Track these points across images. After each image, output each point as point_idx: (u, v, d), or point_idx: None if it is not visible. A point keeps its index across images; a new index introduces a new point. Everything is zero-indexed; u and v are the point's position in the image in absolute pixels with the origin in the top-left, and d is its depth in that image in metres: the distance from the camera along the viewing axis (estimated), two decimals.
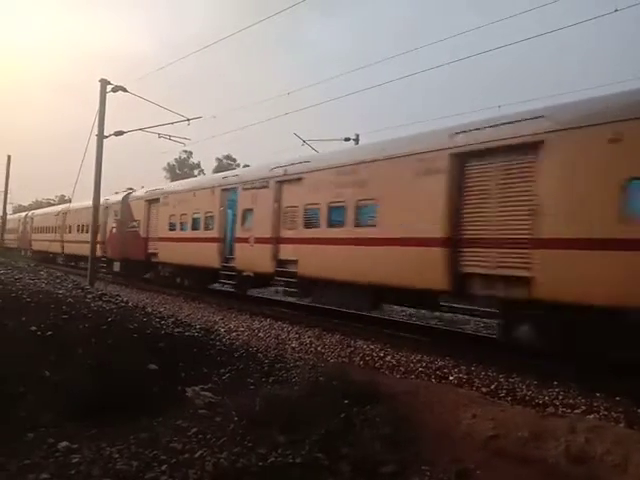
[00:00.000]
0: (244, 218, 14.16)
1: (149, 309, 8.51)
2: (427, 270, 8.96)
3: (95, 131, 18.99)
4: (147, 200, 19.59)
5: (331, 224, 11.43)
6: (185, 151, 54.16)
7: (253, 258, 13.59)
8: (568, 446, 4.73)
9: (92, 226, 19.03)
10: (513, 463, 4.74)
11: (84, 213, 24.88)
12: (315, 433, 4.77)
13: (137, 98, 18.87)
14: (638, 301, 6.38)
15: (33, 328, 5.62)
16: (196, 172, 56.89)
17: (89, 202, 20.30)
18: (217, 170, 55.94)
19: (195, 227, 16.30)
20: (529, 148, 7.77)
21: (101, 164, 19.00)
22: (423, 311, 15.48)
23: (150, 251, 18.21)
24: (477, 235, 8.47)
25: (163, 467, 3.95)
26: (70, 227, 28.23)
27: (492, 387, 7.05)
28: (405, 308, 16.10)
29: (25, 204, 57.79)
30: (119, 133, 20.19)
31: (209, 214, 15.64)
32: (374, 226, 10.31)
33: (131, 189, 25.51)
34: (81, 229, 26.51)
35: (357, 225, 10.77)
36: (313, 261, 11.80)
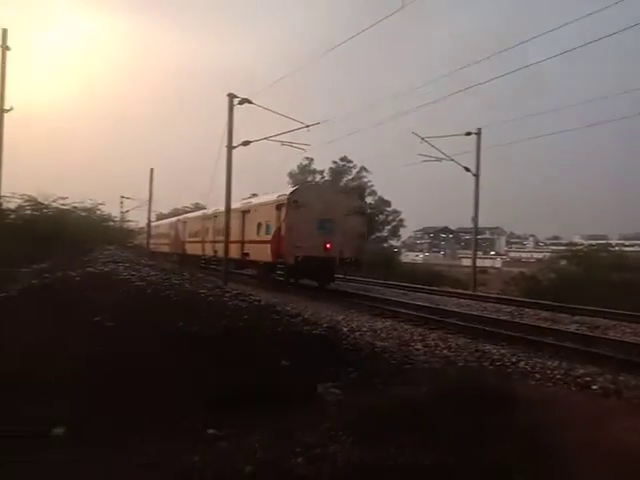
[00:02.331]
0: (182, 234, 33.53)
1: (279, 308, 8.94)
2: (238, 251, 21.87)
3: (224, 142, 20.47)
4: (156, 225, 42.76)
5: (193, 236, 30.88)
6: (307, 158, 55.87)
7: (185, 249, 32.66)
8: None
9: (225, 230, 20.52)
10: None
11: (160, 227, 43.80)
12: (445, 436, 4.67)
13: (258, 110, 19.98)
14: (267, 258, 19.30)
15: (181, 324, 6.20)
16: (318, 178, 58.40)
17: (164, 221, 44.45)
18: (333, 172, 56.94)
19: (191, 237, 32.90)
20: (250, 211, 22.26)
21: (231, 173, 20.41)
22: (562, 314, 14.57)
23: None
24: (247, 239, 21.82)
25: (299, 459, 4.13)
26: (157, 235, 43.83)
27: None
28: (539, 311, 15.16)
29: (165, 212, 63.72)
30: (246, 143, 21.51)
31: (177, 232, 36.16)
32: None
33: (255, 194, 29.24)
34: (161, 237, 42.51)
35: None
36: (192, 248, 30.58)
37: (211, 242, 26.65)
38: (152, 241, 43.82)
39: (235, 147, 20.80)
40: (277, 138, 21.04)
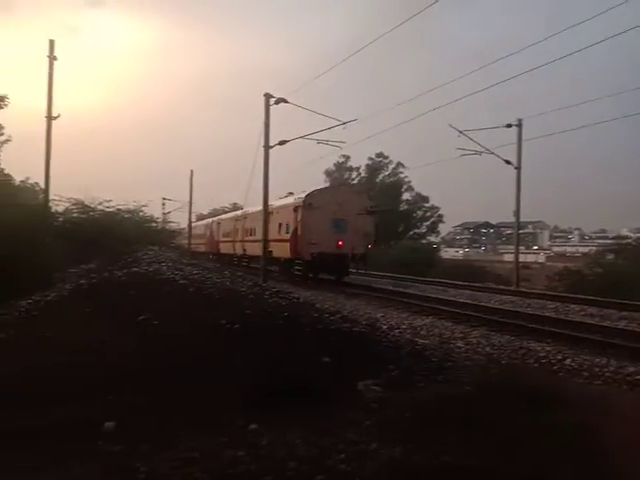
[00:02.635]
0: (216, 234, 36.14)
1: (318, 305, 8.99)
2: (259, 249, 22.04)
3: (261, 142, 20.68)
4: (193, 226, 44.46)
5: (247, 235, 28.45)
6: (343, 155, 55.88)
7: (219, 248, 35.21)
8: None
9: (263, 230, 20.75)
10: None
11: (197, 228, 45.40)
12: (489, 436, 4.58)
13: (294, 110, 20.11)
14: (287, 255, 21.67)
15: (223, 322, 6.32)
16: (354, 175, 58.28)
17: (201, 222, 46.08)
18: (369, 169, 56.74)
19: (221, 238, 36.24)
20: (273, 212, 23.09)
21: (268, 172, 20.61)
22: (609, 310, 14.07)
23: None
24: (270, 238, 21.93)
25: (341, 456, 4.14)
26: (195, 236, 44.76)
27: None
28: (585, 307, 14.68)
29: (205, 212, 64.98)
30: (282, 142, 21.67)
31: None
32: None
33: (291, 193, 30.17)
34: (199, 237, 43.81)
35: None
36: (225, 247, 33.23)
37: (241, 242, 29.23)
38: (192, 241, 44.88)
39: (272, 147, 20.99)
40: (313, 136, 21.15)
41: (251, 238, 27.25)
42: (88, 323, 6.51)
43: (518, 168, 25.03)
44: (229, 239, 32.46)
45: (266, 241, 21.05)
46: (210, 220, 41.62)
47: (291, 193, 38.28)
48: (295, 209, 21.66)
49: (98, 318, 6.59)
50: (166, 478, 3.70)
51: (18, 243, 10.79)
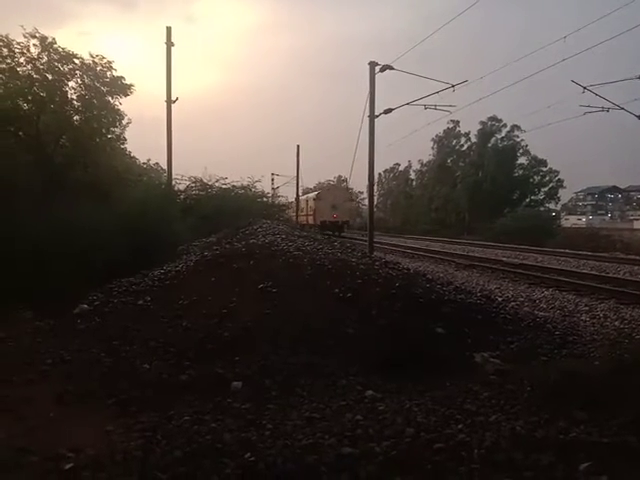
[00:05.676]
0: (299, 210, 44.76)
1: (429, 276, 8.85)
2: (307, 219, 42.80)
3: (366, 112, 20.42)
4: (296, 201, 49.69)
5: (302, 211, 44.51)
6: (452, 120, 53.24)
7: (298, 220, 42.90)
8: None
9: (369, 204, 20.73)
10: None
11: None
12: (623, 414, 4.27)
13: (399, 78, 19.48)
14: (312, 222, 40.65)
15: (336, 290, 6.48)
16: (463, 141, 55.63)
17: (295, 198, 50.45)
18: (481, 133, 53.62)
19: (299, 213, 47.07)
20: (308, 200, 45.91)
21: (373, 143, 20.33)
22: None
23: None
24: (308, 213, 44.24)
25: (459, 425, 4.10)
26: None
27: None
28: None
29: (310, 186, 66.41)
30: (388, 111, 21.17)
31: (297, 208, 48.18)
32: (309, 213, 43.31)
33: (397, 164, 30.75)
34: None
35: (311, 211, 42.68)
36: (302, 219, 42.58)
37: (302, 215, 46.55)
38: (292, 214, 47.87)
39: (377, 116, 20.62)
40: (420, 102, 20.51)
41: (302, 213, 45.12)
42: (213, 291, 7.02)
43: None
44: (294, 214, 49.18)
45: (371, 216, 21.72)
46: (291, 200, 53.81)
47: (397, 164, 40.05)
48: (314, 199, 41.34)
49: (222, 286, 7.08)
50: (290, 435, 3.92)
51: (149, 218, 11.78)
